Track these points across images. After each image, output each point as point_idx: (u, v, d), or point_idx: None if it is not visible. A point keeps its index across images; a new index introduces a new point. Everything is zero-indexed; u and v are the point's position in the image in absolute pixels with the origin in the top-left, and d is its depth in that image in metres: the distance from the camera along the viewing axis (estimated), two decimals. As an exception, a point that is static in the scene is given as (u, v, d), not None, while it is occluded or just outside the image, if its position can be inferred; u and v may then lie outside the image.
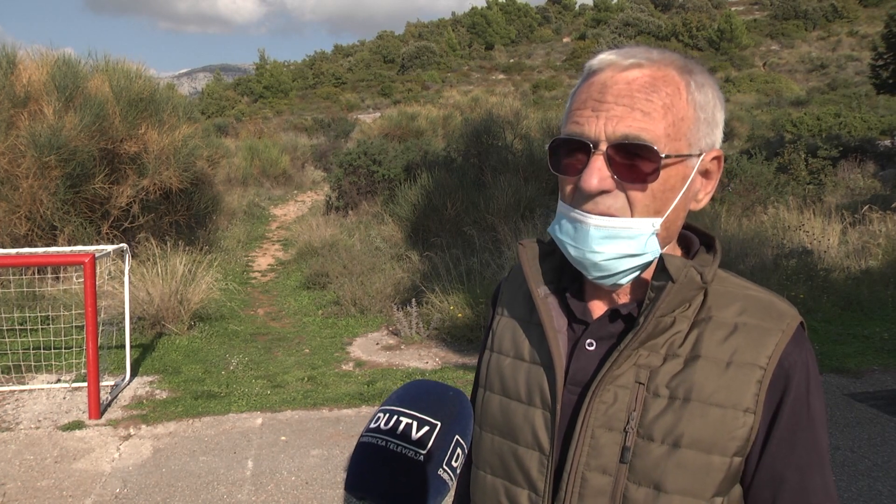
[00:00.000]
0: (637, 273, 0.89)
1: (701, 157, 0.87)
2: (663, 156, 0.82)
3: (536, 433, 0.91)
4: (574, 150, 0.86)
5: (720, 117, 0.89)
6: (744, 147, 16.63)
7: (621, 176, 0.83)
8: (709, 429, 0.83)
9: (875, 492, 3.41)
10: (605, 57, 0.87)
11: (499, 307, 1.06)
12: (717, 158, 0.90)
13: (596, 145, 0.83)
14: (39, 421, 4.50)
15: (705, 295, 0.89)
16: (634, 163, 0.82)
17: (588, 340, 0.91)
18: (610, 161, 0.83)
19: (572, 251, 0.88)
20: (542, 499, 0.90)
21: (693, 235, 0.97)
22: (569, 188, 0.88)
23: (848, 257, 7.74)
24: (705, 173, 0.90)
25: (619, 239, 0.84)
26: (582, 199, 0.85)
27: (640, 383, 0.86)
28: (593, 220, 0.84)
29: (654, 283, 0.87)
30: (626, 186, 0.83)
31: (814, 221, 8.65)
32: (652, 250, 0.86)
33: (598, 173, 0.82)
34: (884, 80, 18.42)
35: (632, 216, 0.84)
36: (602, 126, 0.83)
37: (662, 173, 0.83)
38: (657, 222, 0.85)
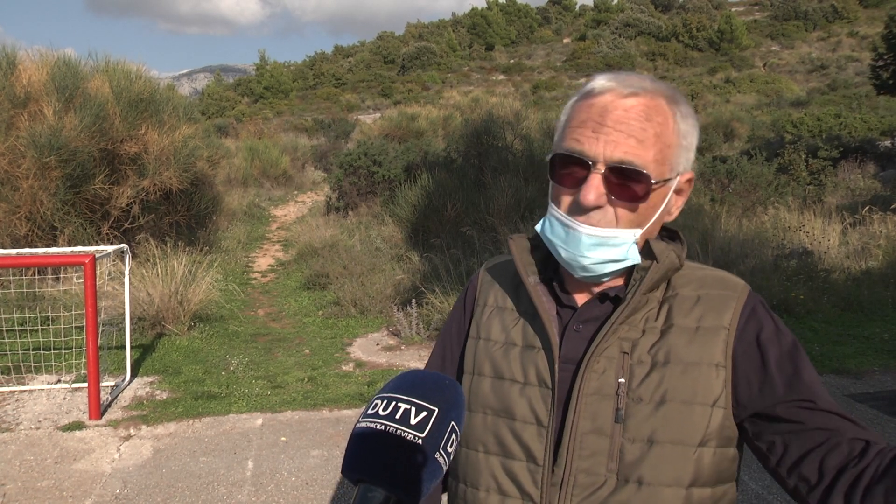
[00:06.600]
0: (615, 272, 1.00)
1: (678, 178, 0.99)
2: (654, 182, 0.94)
3: (534, 408, 1.00)
4: (573, 165, 0.96)
5: (695, 142, 1.02)
6: (744, 148, 16.63)
7: (616, 195, 0.94)
8: (688, 384, 0.94)
9: (875, 493, 3.41)
10: (605, 82, 0.97)
11: (479, 299, 1.15)
12: (689, 180, 1.03)
13: (595, 164, 0.93)
14: (40, 421, 4.50)
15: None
16: (628, 185, 0.94)
17: (576, 324, 1.02)
18: (606, 181, 0.94)
19: (563, 253, 0.98)
20: (541, 468, 0.98)
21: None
22: (566, 199, 0.98)
23: (848, 258, 7.74)
24: (678, 191, 1.02)
25: (605, 246, 0.96)
26: (577, 210, 0.96)
27: (624, 353, 0.97)
28: (585, 230, 0.95)
29: (639, 265, 0.99)
30: (616, 204, 0.95)
31: (814, 222, 8.66)
32: (632, 257, 0.98)
33: (595, 191, 0.93)
34: (884, 80, 18.43)
35: (616, 228, 0.96)
36: (602, 148, 0.93)
37: (650, 195, 0.95)
38: (638, 233, 0.97)
